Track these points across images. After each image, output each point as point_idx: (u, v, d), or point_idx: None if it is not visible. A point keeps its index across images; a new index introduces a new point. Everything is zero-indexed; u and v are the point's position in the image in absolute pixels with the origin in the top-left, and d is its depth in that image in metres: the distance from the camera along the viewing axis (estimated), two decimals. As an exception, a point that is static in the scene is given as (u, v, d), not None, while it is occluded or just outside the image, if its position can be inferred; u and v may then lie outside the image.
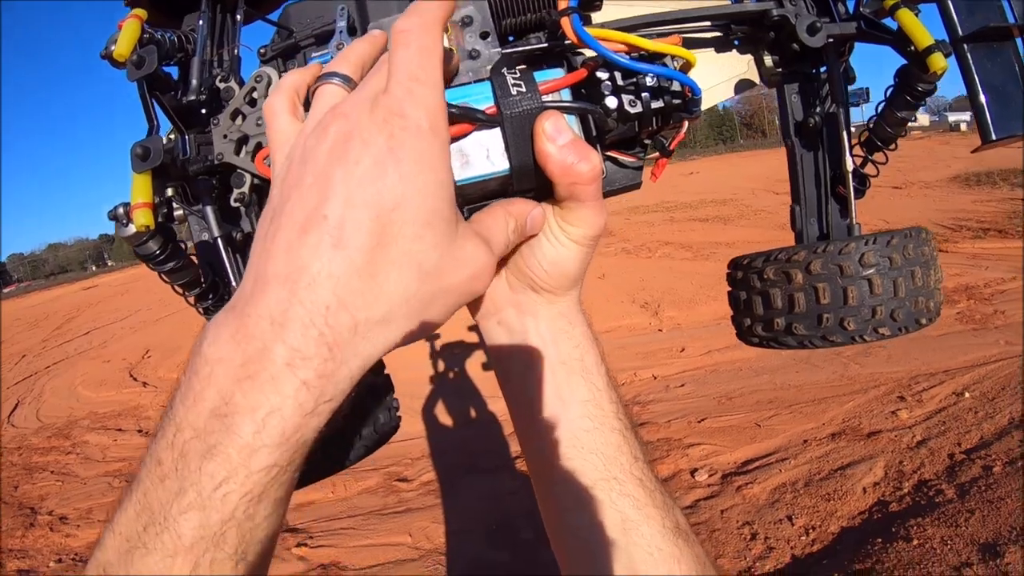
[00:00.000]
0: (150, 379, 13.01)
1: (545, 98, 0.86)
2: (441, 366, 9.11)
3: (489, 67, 0.91)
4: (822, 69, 1.47)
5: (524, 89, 0.85)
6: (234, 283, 1.27)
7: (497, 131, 0.84)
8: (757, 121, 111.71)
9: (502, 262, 0.94)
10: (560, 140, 0.80)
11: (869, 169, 1.54)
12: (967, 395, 7.05)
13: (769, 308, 1.41)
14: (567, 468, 0.93)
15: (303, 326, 0.58)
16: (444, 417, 8.09)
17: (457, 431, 7.71)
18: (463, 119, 0.82)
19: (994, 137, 1.24)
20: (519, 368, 0.96)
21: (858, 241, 1.33)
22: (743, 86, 1.43)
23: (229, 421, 0.57)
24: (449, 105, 0.77)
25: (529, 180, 0.86)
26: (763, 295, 1.43)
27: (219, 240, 1.24)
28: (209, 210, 1.24)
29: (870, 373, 7.94)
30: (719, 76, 1.40)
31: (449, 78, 0.89)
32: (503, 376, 1.00)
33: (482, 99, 0.85)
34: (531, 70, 0.89)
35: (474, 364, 8.86)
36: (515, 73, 0.87)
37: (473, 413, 8.03)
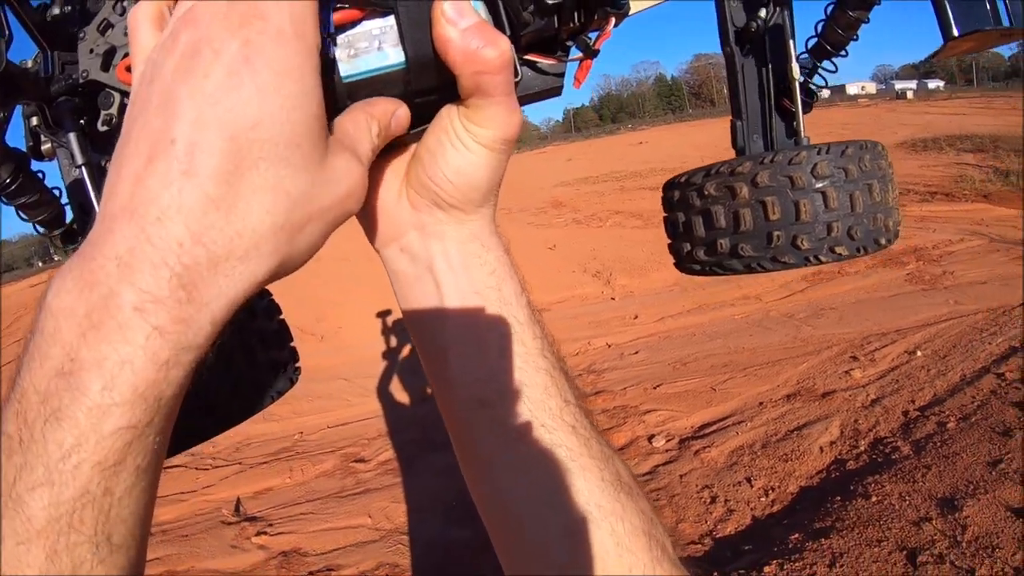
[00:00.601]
0: None
1: None
2: (394, 342, 8.99)
3: None
4: None
5: None
6: None
7: (391, 17, 0.73)
8: (706, 91, 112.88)
9: (386, 178, 0.84)
10: (462, 23, 0.69)
11: (817, 79, 1.48)
12: (919, 353, 7.15)
13: (711, 228, 1.32)
14: (487, 416, 0.83)
15: (153, 266, 0.49)
16: (399, 394, 8.02)
17: (412, 408, 7.64)
18: (349, 2, 0.72)
19: (956, 33, 1.18)
20: (425, 301, 0.85)
21: (810, 150, 1.24)
22: None
23: (74, 379, 0.48)
24: None
25: (429, 75, 0.75)
26: (704, 214, 1.33)
27: (83, 169, 1.13)
28: (72, 136, 1.12)
29: (823, 334, 8.03)
30: None
31: None
32: (408, 313, 0.87)
33: None
34: None
35: (428, 339, 8.64)
36: None
37: (428, 389, 7.63)
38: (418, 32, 0.72)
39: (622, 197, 19.25)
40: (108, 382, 0.48)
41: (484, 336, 0.83)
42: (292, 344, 1.56)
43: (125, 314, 0.48)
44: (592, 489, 0.80)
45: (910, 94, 70.86)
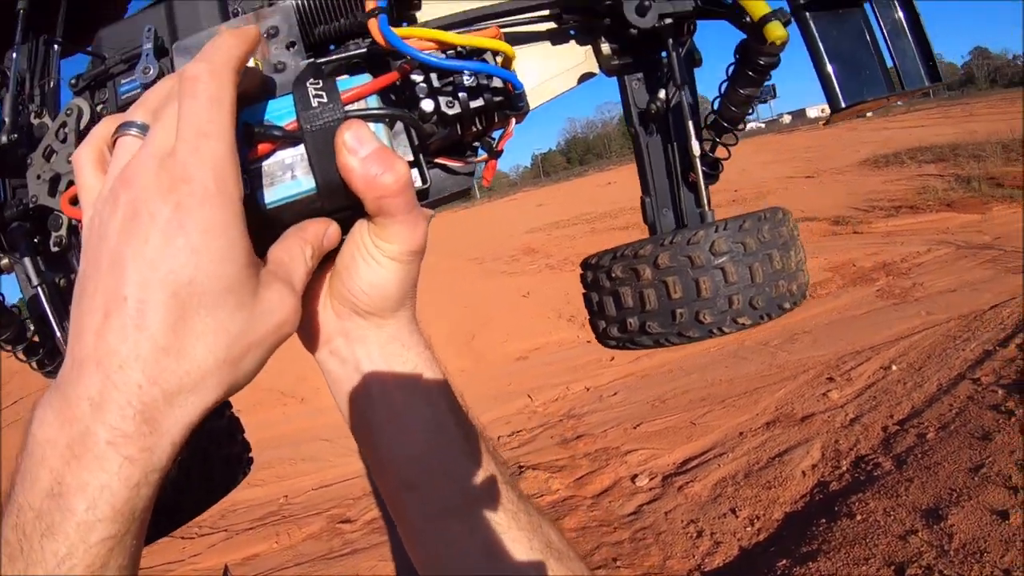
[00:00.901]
0: None
1: (349, 107, 0.81)
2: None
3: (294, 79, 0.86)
4: (663, 54, 1.42)
5: (325, 100, 0.79)
6: (59, 334, 1.21)
7: (301, 146, 0.79)
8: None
9: (314, 290, 0.90)
10: (362, 151, 0.75)
11: (720, 152, 1.50)
12: (894, 368, 7.18)
13: (621, 308, 1.36)
14: (420, 499, 0.89)
15: (119, 407, 0.59)
16: (382, 455, 7.86)
17: (396, 467, 7.48)
18: (263, 138, 0.77)
19: (843, 105, 1.21)
20: (356, 398, 0.91)
21: (708, 228, 1.28)
22: (584, 76, 1.39)
23: (63, 501, 0.58)
24: (247, 124, 0.74)
25: (340, 197, 0.80)
26: (613, 295, 1.38)
27: (40, 289, 1.19)
28: (27, 259, 1.18)
29: (798, 359, 8.05)
30: (557, 68, 1.36)
31: (253, 98, 0.82)
32: (342, 408, 0.94)
33: (285, 114, 0.80)
34: (335, 78, 0.84)
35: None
36: (317, 83, 0.81)
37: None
38: (325, 160, 0.77)
39: (593, 239, 19.30)
40: (91, 503, 0.58)
41: (408, 427, 0.90)
42: (243, 436, 1.59)
43: (100, 448, 0.58)
44: (521, 559, 0.87)
45: (869, 112, 71.77)
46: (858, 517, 4.68)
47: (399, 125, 0.88)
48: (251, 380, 0.70)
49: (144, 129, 0.70)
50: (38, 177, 1.08)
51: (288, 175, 0.79)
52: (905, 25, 1.31)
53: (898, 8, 1.31)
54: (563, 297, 12.38)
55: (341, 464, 7.55)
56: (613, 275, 1.36)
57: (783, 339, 8.81)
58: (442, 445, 0.90)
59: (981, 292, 9.02)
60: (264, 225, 0.79)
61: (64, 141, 1.06)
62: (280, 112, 0.80)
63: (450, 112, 0.88)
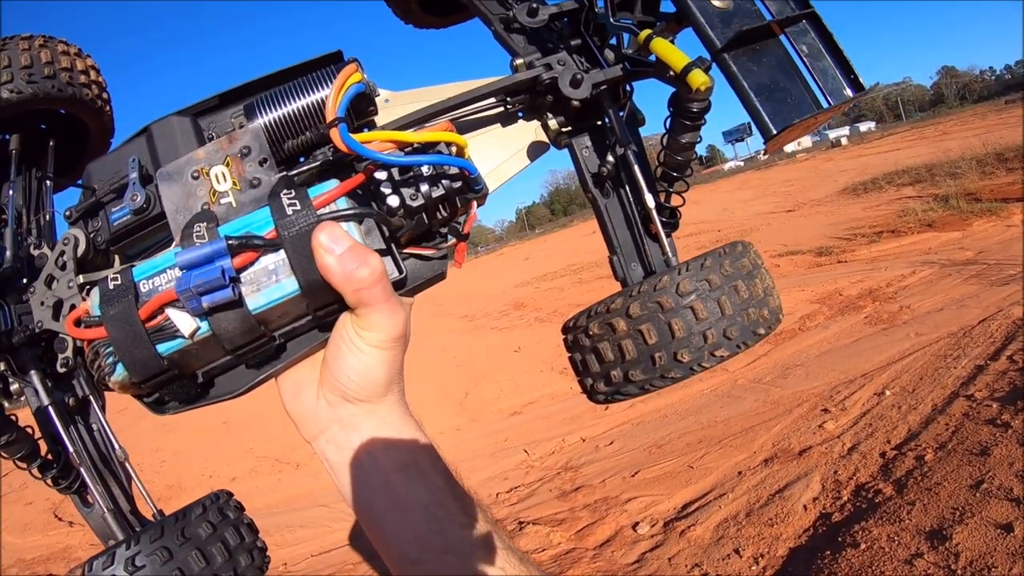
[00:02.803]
0: (76, 518, 12.37)
1: (321, 211, 0.88)
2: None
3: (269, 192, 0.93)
4: (607, 120, 1.49)
5: (299, 207, 0.87)
6: (71, 450, 1.26)
7: (281, 251, 0.86)
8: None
9: (307, 383, 1.00)
10: (337, 249, 0.82)
11: (675, 200, 1.54)
12: (888, 393, 7.17)
13: (603, 363, 1.38)
14: (425, 572, 0.93)
15: None
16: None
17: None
18: (243, 248, 0.84)
19: (774, 131, 1.23)
20: (355, 485, 0.96)
21: (671, 272, 1.31)
22: (537, 151, 1.45)
23: None
24: (227, 237, 0.82)
25: (323, 295, 0.87)
26: (594, 351, 1.40)
27: (50, 408, 1.24)
28: (36, 379, 1.24)
29: (792, 393, 8.03)
30: (511, 149, 1.42)
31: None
32: (344, 492, 0.99)
33: (264, 225, 0.87)
34: (306, 187, 0.91)
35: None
36: (290, 193, 0.89)
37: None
38: (304, 262, 0.85)
39: (581, 289, 19.40)
40: None
41: (408, 509, 0.95)
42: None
43: None
44: None
45: (844, 140, 72.88)
46: (863, 545, 4.63)
47: (371, 223, 0.98)
48: None
49: None
50: (42, 303, 1.15)
51: (273, 279, 0.86)
52: (821, 47, 1.34)
53: (811, 32, 1.35)
54: (554, 350, 12.38)
55: (339, 529, 7.47)
56: (591, 333, 1.39)
57: (776, 374, 8.80)
58: (442, 523, 0.94)
59: (968, 308, 9.07)
60: (249, 331, 0.87)
61: (63, 268, 1.14)
62: (260, 223, 0.88)
63: (414, 204, 0.96)
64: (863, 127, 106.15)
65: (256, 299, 0.85)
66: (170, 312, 0.85)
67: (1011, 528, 4.17)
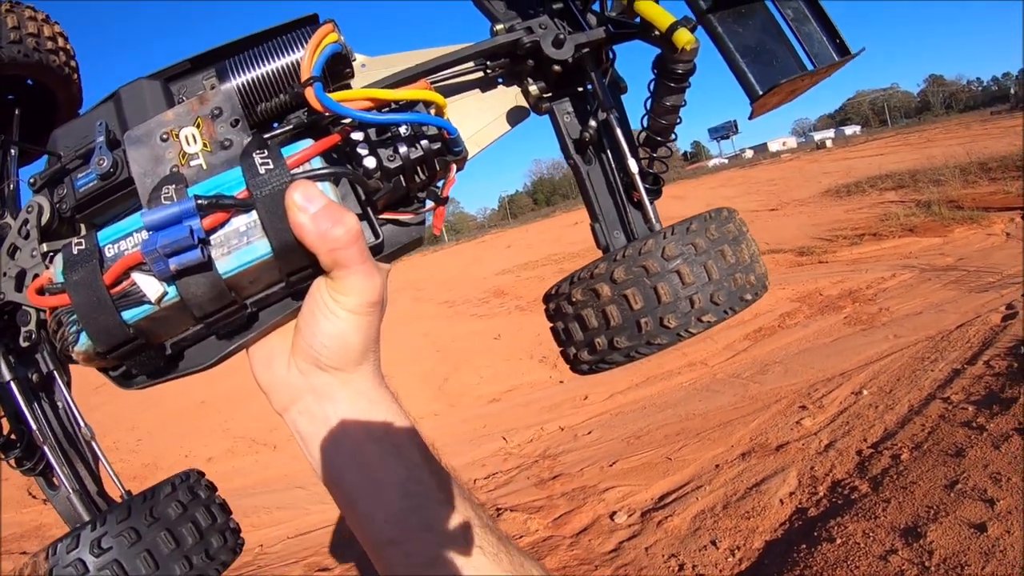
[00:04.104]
0: None
1: (294, 171, 0.84)
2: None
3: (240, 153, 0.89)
4: (589, 86, 1.48)
5: (272, 166, 0.83)
6: (34, 429, 1.20)
7: (253, 212, 0.82)
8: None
9: (278, 352, 0.95)
10: (311, 208, 0.79)
11: (657, 167, 1.53)
12: (865, 392, 7.23)
13: (587, 330, 1.37)
14: (402, 552, 0.89)
15: None
16: (357, 500, 7.73)
17: (372, 513, 7.34)
18: (214, 209, 0.80)
19: (760, 91, 1.24)
20: (328, 457, 0.92)
21: (656, 236, 1.29)
22: (517, 117, 1.44)
23: None
24: (198, 197, 0.77)
25: (297, 258, 0.84)
26: (577, 318, 1.38)
27: (12, 385, 1.19)
28: None
29: (770, 389, 8.09)
30: (490, 114, 1.41)
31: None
32: (316, 466, 0.95)
33: (235, 185, 0.83)
34: (279, 147, 0.88)
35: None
36: (263, 152, 0.85)
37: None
38: (277, 222, 0.81)
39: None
40: None
41: (383, 482, 0.90)
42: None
43: None
44: None
45: (829, 143, 73.03)
46: (838, 541, 4.68)
47: (347, 188, 0.95)
48: None
49: None
50: (4, 275, 1.09)
51: (244, 241, 0.82)
52: (806, 10, 1.36)
53: None
54: (534, 339, 12.38)
55: (317, 511, 7.42)
56: (574, 299, 1.37)
57: (755, 370, 8.86)
58: (418, 500, 0.91)
59: (947, 313, 9.15)
60: (218, 296, 0.83)
61: (27, 237, 1.09)
62: (231, 184, 0.83)
63: (392, 165, 0.93)
64: (848, 131, 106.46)
65: (227, 262, 0.81)
66: (136, 276, 0.81)
67: (984, 528, 4.22)
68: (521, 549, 0.97)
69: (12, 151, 1.29)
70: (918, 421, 6.18)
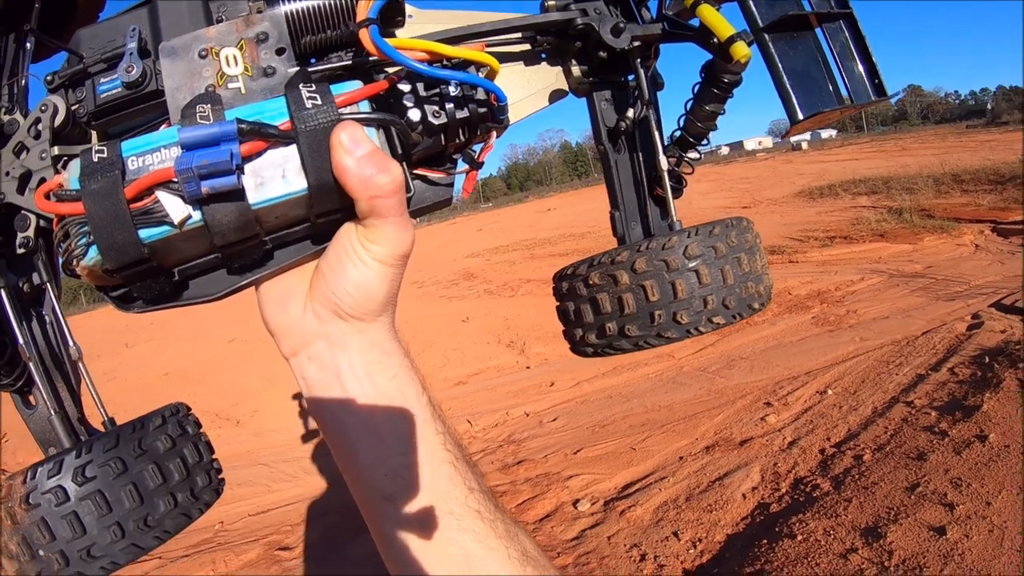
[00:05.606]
0: (9, 466, 12.12)
1: (342, 111, 0.82)
2: (312, 425, 8.70)
3: (284, 83, 0.87)
4: (630, 77, 1.47)
5: (320, 102, 0.80)
6: (20, 340, 1.14)
7: (293, 147, 0.79)
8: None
9: (294, 293, 0.92)
10: (358, 152, 0.76)
11: (684, 168, 1.55)
12: (830, 392, 7.31)
13: (599, 314, 1.37)
14: (394, 508, 0.88)
15: None
16: (320, 478, 7.82)
17: (334, 491, 7.40)
18: (254, 135, 0.77)
19: (801, 116, 1.25)
20: (334, 406, 0.91)
21: (680, 234, 1.30)
22: (555, 96, 1.42)
23: None
24: (239, 121, 0.74)
25: (331, 199, 0.82)
26: (591, 301, 1.39)
27: (1, 292, 1.12)
28: None
29: (736, 384, 8.14)
30: (531, 88, 1.39)
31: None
32: (318, 415, 0.94)
33: (277, 115, 0.80)
34: (328, 83, 0.85)
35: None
36: (310, 87, 0.82)
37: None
38: (318, 160, 0.78)
39: (532, 265, 19.42)
40: None
41: (387, 436, 0.89)
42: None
43: None
44: (501, 567, 0.87)
45: (805, 145, 73.68)
46: (799, 537, 4.73)
47: (383, 136, 0.90)
48: None
49: None
50: (7, 174, 1.04)
51: (279, 174, 0.79)
52: (852, 47, 1.37)
53: (845, 31, 1.37)
54: (502, 323, 12.41)
55: (279, 489, 7.41)
56: (591, 282, 1.37)
57: (721, 365, 8.93)
58: (421, 457, 0.90)
59: (913, 319, 9.28)
60: (244, 226, 0.80)
61: (37, 137, 1.03)
62: (272, 113, 0.80)
63: (436, 122, 0.90)
64: (824, 134, 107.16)
65: (258, 193, 0.78)
66: (160, 195, 0.78)
67: (944, 531, 4.29)
68: (515, 520, 0.96)
69: (28, 44, 1.20)
70: (881, 423, 6.27)
